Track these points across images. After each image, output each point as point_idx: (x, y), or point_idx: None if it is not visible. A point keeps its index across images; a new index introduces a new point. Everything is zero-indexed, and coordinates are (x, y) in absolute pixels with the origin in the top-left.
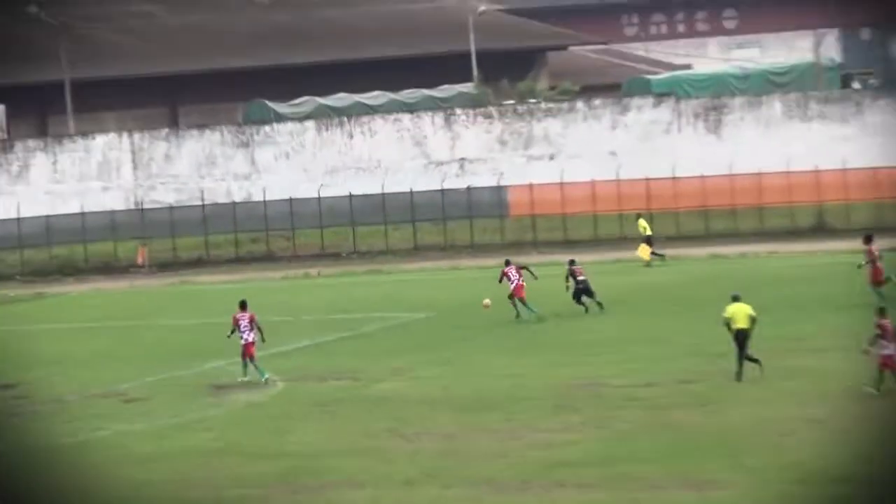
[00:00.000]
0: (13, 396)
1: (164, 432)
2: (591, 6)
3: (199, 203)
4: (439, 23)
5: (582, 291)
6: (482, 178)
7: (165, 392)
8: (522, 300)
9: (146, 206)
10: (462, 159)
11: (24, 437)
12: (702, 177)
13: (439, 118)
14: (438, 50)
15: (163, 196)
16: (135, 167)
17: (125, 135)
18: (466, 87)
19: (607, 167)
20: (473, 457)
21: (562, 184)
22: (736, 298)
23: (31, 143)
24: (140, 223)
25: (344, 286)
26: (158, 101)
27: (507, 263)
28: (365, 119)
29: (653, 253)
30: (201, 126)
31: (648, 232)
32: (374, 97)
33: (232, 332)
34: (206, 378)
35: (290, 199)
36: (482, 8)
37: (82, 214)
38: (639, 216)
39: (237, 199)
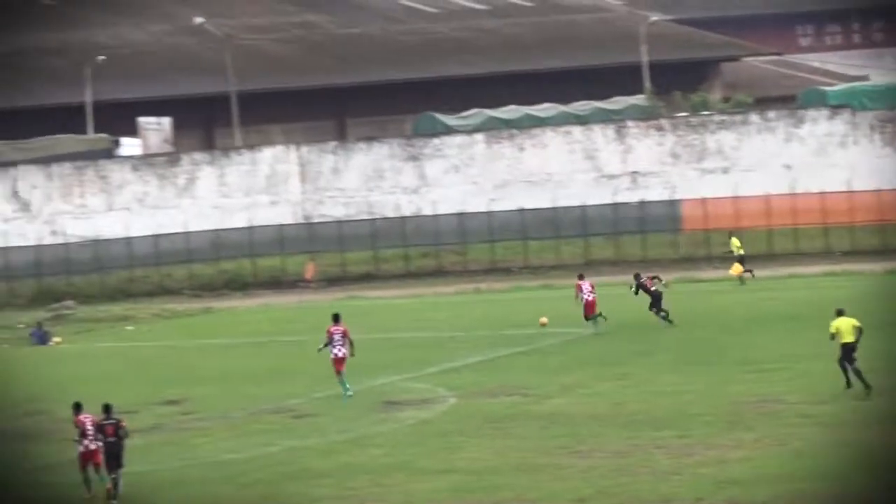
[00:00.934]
0: (180, 412)
1: (334, 448)
2: (764, 16)
3: (368, 217)
4: (607, 33)
5: (654, 303)
6: (654, 192)
7: (335, 408)
8: (588, 316)
9: (314, 220)
10: (634, 172)
11: (191, 453)
12: (877, 191)
13: (610, 130)
14: (608, 61)
15: (331, 210)
16: (302, 180)
17: (293, 147)
18: (638, 99)
19: (781, 181)
20: (646, 474)
21: (735, 197)
22: (840, 313)
23: (198, 156)
24: (308, 237)
25: (515, 301)
26: (326, 114)
27: (581, 278)
28: (535, 131)
29: (746, 270)
30: (370, 139)
31: (741, 251)
32: (545, 109)
33: (325, 345)
34: (375, 394)
35: (460, 214)
36: (653, 18)
37: (250, 229)
38: (731, 235)
39: (406, 212)
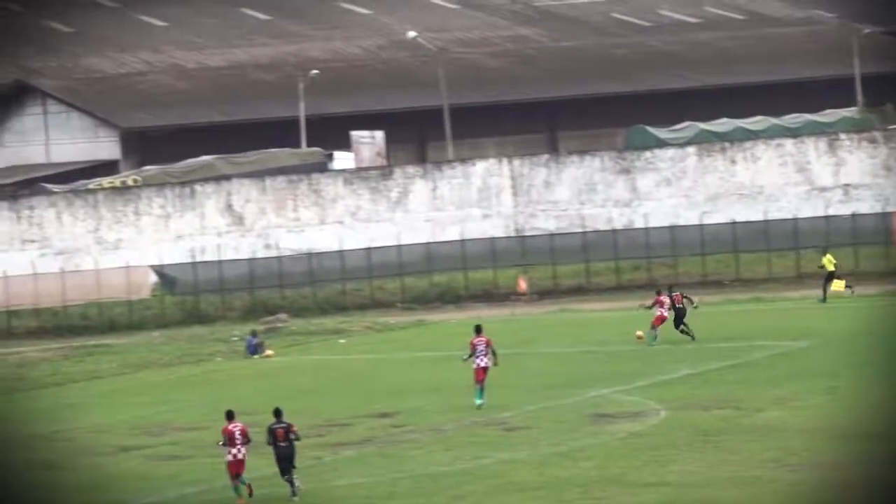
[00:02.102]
0: (392, 425)
1: (545, 461)
2: None
3: (580, 230)
4: (819, 45)
5: (678, 319)
6: (866, 205)
7: (547, 421)
8: (654, 327)
9: (526, 232)
10: (846, 185)
11: (403, 465)
12: None
13: (823, 143)
14: (820, 73)
15: (543, 223)
16: (514, 194)
17: (505, 161)
18: (850, 112)
19: None
20: (859, 488)
21: None
22: None
23: (411, 169)
24: (520, 250)
25: (726, 314)
26: (538, 127)
27: (660, 293)
28: (747, 144)
29: (847, 285)
30: (581, 152)
31: (832, 268)
32: (756, 122)
33: (469, 356)
34: (586, 407)
35: (672, 227)
36: (866, 30)
37: (462, 242)
38: (825, 251)
39: (618, 225)
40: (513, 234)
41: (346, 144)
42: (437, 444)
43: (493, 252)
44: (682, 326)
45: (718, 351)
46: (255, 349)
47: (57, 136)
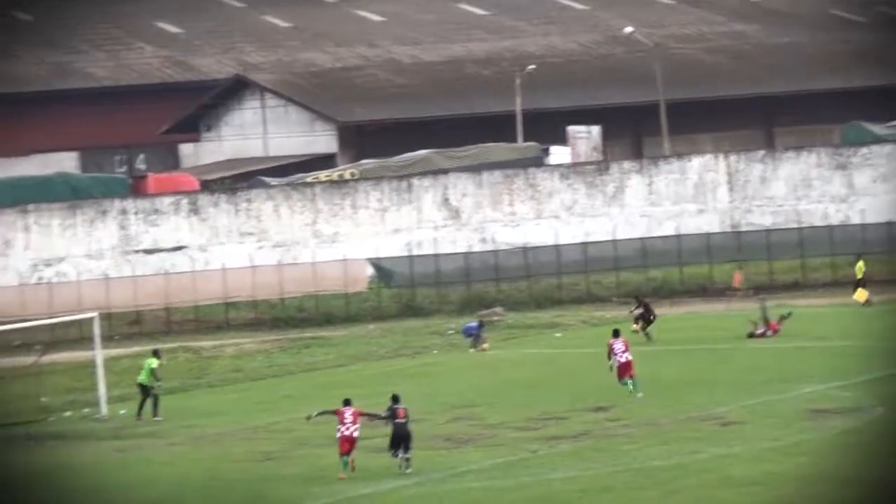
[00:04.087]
0: (608, 419)
1: (761, 456)
2: None
3: (796, 226)
4: None
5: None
6: None
7: (762, 416)
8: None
9: (742, 228)
10: None
11: (619, 459)
12: None
13: None
14: None
15: (758, 219)
16: (730, 189)
17: (721, 156)
18: None
19: None
20: None
21: None
22: None
23: (627, 164)
24: (735, 246)
25: None
26: (754, 123)
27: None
28: None
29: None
30: (797, 148)
31: (860, 275)
32: None
33: (609, 358)
34: (801, 402)
35: (889, 223)
36: None
37: (678, 237)
38: (859, 257)
39: (834, 221)
40: (728, 229)
41: (562, 139)
42: (652, 438)
43: (708, 247)
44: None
45: None
46: (473, 335)
47: (275, 130)
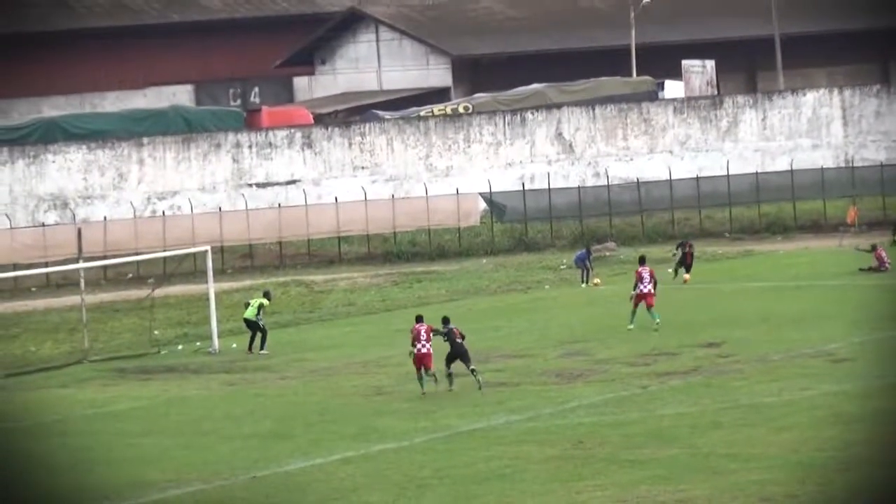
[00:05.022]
0: (718, 355)
1: (871, 393)
2: None
3: None
4: None
5: None
6: None
7: (872, 353)
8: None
9: (856, 163)
10: None
11: (728, 395)
12: None
13: None
14: None
15: (873, 154)
16: (845, 124)
17: (835, 91)
18: None
19: None
20: None
21: None
22: None
23: (741, 98)
24: (849, 181)
25: None
26: (869, 57)
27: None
28: None
29: None
30: None
31: None
32: None
33: (635, 286)
34: None
35: None
36: None
37: (791, 172)
38: None
39: None
40: (842, 164)
41: (676, 73)
42: (762, 374)
43: (822, 183)
44: None
45: None
46: (583, 268)
47: (389, 64)
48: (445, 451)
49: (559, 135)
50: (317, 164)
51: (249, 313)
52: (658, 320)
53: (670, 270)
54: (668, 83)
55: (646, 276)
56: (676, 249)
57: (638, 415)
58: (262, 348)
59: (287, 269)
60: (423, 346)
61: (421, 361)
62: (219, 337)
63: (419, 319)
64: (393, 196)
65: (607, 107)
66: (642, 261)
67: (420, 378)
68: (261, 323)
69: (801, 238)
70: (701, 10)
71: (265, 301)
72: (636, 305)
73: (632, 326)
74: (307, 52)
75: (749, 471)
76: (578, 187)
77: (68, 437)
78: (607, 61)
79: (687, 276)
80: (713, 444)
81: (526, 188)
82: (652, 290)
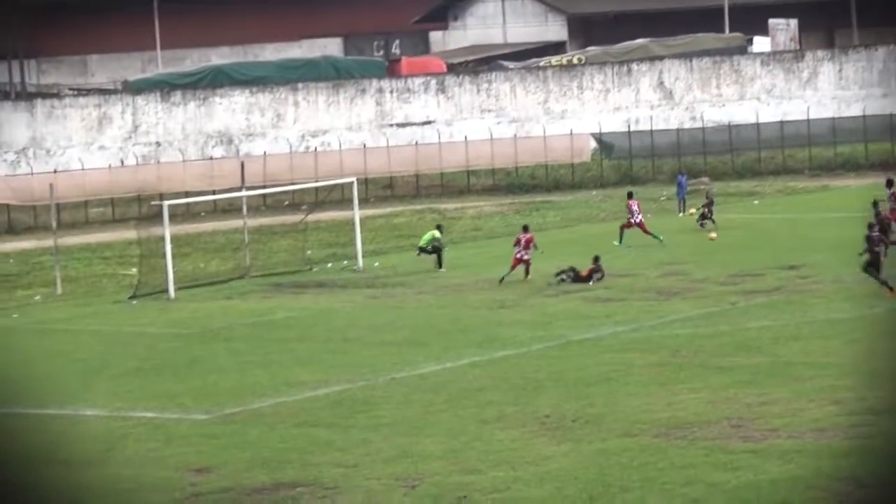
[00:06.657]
0: (798, 276)
1: None
2: None
3: None
4: None
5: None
6: None
7: None
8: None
9: None
10: None
11: (806, 312)
12: None
13: None
14: None
15: None
16: None
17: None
18: None
19: None
20: None
21: None
22: None
23: (820, 53)
24: None
25: None
26: None
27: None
28: None
29: None
30: None
31: None
32: None
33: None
34: None
35: None
36: None
37: (863, 117)
38: None
39: None
40: None
41: (763, 30)
42: (837, 294)
43: (891, 126)
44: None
45: None
46: (681, 197)
47: (512, 21)
48: (559, 357)
49: (661, 83)
50: (449, 107)
51: (424, 241)
52: (662, 237)
53: (713, 235)
54: (757, 39)
55: (635, 208)
56: (702, 207)
57: (727, 327)
58: (439, 266)
59: (422, 198)
60: (520, 252)
61: (513, 262)
62: (363, 257)
63: (525, 229)
64: (515, 135)
65: (703, 59)
66: (630, 195)
67: (508, 273)
68: (433, 246)
69: (872, 175)
70: None
71: (437, 233)
72: (623, 231)
73: (617, 243)
74: (441, 9)
75: (824, 377)
76: (677, 129)
77: (233, 341)
78: (704, 19)
79: (714, 234)
80: (793, 353)
81: (631, 130)
82: (642, 220)
